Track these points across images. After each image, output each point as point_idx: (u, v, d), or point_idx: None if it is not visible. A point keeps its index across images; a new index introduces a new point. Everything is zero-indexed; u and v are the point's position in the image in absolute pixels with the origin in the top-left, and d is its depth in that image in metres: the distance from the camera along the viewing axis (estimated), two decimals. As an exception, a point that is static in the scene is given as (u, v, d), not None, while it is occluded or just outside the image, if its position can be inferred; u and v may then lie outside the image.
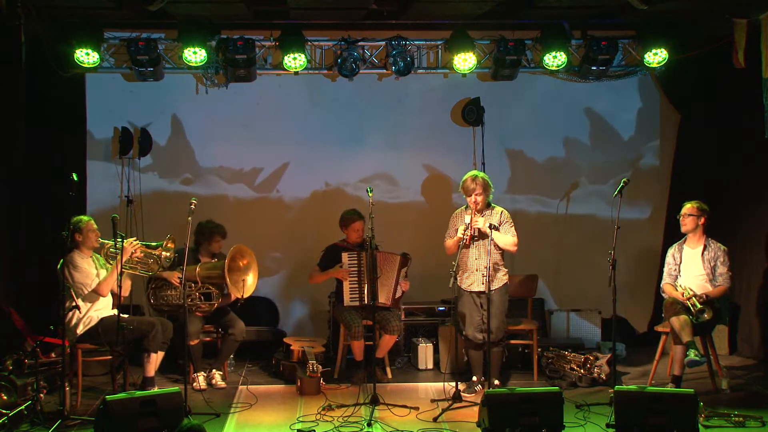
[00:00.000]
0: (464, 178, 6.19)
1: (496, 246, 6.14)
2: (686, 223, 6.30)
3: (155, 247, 6.07)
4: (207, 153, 8.04)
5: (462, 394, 5.99)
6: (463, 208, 6.36)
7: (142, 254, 6.02)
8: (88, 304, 5.96)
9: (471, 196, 6.13)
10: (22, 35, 6.44)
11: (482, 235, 6.11)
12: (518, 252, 6.32)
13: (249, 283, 6.42)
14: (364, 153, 8.15)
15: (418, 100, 8.09)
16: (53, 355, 6.38)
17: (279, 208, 8.12)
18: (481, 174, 6.19)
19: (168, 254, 6.05)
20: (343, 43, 7.15)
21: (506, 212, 6.26)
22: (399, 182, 8.19)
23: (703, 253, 6.26)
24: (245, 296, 6.38)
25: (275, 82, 7.86)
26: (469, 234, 6.09)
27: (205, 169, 8.03)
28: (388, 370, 6.86)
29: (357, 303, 6.69)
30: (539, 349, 6.88)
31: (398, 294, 6.77)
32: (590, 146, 8.25)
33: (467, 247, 6.17)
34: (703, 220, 6.27)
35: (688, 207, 6.31)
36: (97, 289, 5.95)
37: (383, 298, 6.64)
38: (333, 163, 8.12)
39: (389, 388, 6.49)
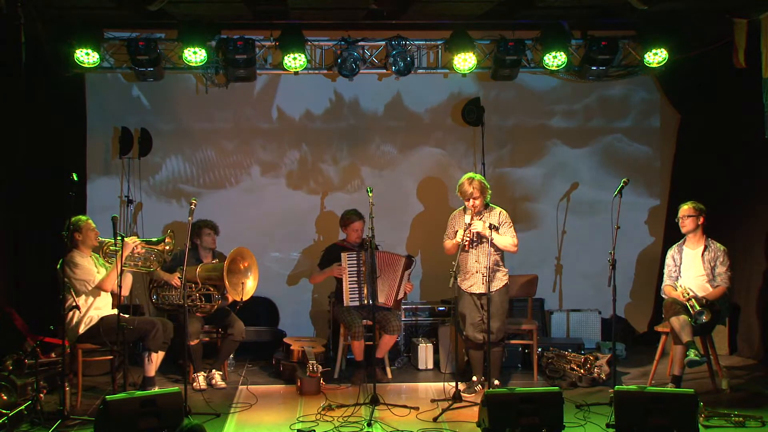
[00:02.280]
0: (460, 181, 6.12)
1: (496, 246, 6.13)
2: (686, 224, 6.29)
3: (156, 243, 6.08)
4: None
5: (462, 394, 5.98)
6: (461, 208, 6.31)
7: (143, 250, 6.02)
8: (90, 300, 5.94)
9: (468, 200, 6.06)
10: (22, 35, 6.42)
11: (481, 239, 6.09)
12: (519, 252, 6.30)
13: (248, 287, 6.39)
14: (363, 153, 8.17)
15: (418, 100, 8.08)
16: (53, 355, 6.38)
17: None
18: (478, 176, 6.13)
19: (169, 248, 6.05)
20: (343, 43, 7.13)
21: (505, 212, 6.21)
22: (398, 182, 8.19)
23: (703, 254, 6.25)
24: (244, 299, 6.36)
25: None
26: (467, 239, 6.06)
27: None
28: (388, 370, 6.86)
29: (357, 303, 6.68)
30: (539, 349, 6.88)
31: (401, 296, 6.77)
32: (591, 145, 8.25)
33: (466, 251, 6.16)
34: (702, 219, 6.26)
35: (685, 208, 6.30)
36: (100, 284, 5.93)
37: (383, 299, 6.64)
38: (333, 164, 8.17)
39: (389, 388, 6.49)
